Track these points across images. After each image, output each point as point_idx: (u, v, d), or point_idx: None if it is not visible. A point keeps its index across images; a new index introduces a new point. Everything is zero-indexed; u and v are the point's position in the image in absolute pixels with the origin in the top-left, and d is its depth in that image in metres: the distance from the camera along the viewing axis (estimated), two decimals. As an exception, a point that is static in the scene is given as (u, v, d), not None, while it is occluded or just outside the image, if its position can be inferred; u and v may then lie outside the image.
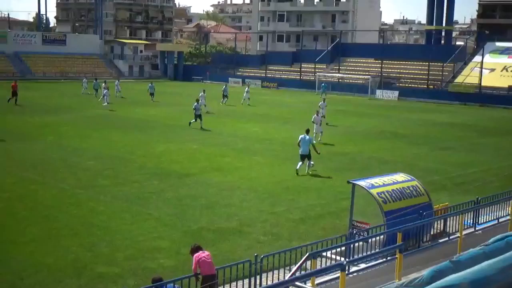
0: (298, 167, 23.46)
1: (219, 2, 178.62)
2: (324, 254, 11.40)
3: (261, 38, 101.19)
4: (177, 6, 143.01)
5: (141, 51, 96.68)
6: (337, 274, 9.05)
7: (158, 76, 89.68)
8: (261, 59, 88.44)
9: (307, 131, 24.60)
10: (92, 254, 14.01)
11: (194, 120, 35.82)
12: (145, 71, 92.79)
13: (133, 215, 17.24)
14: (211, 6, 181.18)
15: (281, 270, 11.13)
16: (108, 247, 14.48)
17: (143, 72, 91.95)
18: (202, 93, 43.97)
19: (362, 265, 11.57)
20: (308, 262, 10.31)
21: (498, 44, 74.11)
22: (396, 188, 13.65)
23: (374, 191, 13.20)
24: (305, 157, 23.71)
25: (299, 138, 24.07)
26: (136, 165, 24.32)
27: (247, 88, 54.00)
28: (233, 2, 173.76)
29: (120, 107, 46.07)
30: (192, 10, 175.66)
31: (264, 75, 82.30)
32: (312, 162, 23.93)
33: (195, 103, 36.50)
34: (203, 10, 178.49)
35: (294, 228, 16.54)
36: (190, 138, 31.96)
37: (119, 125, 36.01)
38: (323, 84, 66.63)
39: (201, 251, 10.64)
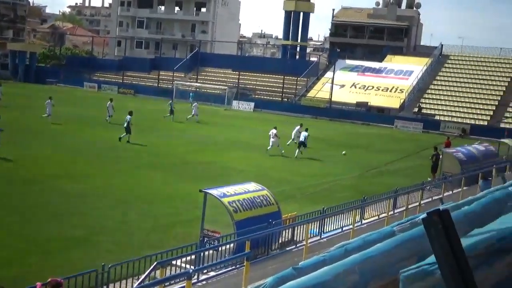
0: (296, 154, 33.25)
1: (76, 4, 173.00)
2: (174, 262, 11.34)
3: (119, 44, 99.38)
4: (31, 4, 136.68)
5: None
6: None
7: (7, 77, 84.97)
8: (119, 65, 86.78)
9: (303, 126, 36.36)
10: None
11: (125, 134, 33.31)
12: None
13: (-27, 223, 16.17)
14: (68, 7, 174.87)
15: (130, 280, 10.90)
16: None
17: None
18: (110, 102, 41.91)
19: (212, 273, 11.64)
20: (158, 271, 10.20)
21: (348, 62, 78.20)
22: (247, 198, 13.90)
23: (225, 200, 13.35)
24: (301, 145, 33.97)
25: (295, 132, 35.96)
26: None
27: (195, 104, 51.05)
28: (92, 5, 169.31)
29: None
30: (48, 10, 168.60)
31: (121, 81, 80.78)
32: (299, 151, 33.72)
33: (128, 116, 33.75)
34: (59, 11, 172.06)
35: (145, 236, 16.31)
36: (41, 143, 30.60)
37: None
38: (191, 93, 67.35)
39: None
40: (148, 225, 17.42)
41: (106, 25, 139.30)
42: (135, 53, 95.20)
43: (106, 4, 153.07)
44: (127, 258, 12.28)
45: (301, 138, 35.00)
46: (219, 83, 75.73)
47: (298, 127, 38.17)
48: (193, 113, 48.64)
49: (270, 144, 34.12)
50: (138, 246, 15.30)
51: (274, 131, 34.42)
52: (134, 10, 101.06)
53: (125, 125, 33.52)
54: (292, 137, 38.20)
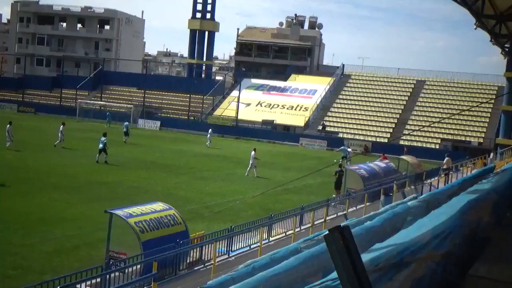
0: None
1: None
2: (78, 286, 11.03)
3: (18, 61, 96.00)
4: None
5: None
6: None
7: None
8: (18, 83, 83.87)
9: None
10: None
11: (99, 155, 34.90)
12: None
13: None
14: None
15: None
16: None
17: None
18: (62, 126, 40.76)
19: (118, 296, 11.40)
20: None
21: (254, 80, 79.21)
22: (154, 217, 13.75)
23: (131, 221, 13.15)
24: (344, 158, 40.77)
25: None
26: None
27: (210, 130, 53.82)
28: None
29: None
30: None
31: (21, 99, 78.09)
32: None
33: (103, 137, 35.15)
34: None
35: (47, 260, 15.76)
36: None
37: None
38: (107, 113, 65.97)
39: None
40: (50, 248, 16.85)
41: (4, 41, 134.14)
42: (35, 71, 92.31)
43: (4, 20, 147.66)
44: (27, 283, 11.85)
45: (343, 154, 42.64)
46: (124, 101, 74.70)
47: (347, 148, 45.29)
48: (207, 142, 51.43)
49: (253, 166, 35.30)
50: (40, 271, 14.77)
51: (253, 153, 35.73)
52: (34, 26, 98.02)
53: (101, 146, 34.78)
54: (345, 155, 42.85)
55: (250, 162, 35.67)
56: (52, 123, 57.84)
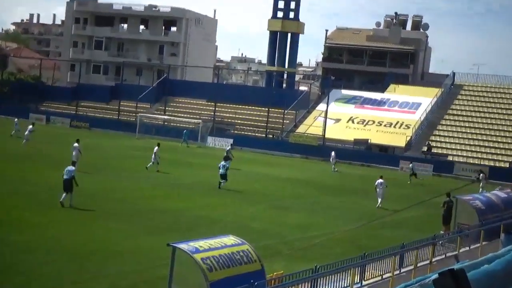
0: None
1: (22, 20, 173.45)
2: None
3: (73, 68, 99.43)
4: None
5: None
6: None
7: None
8: (72, 93, 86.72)
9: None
10: None
11: (224, 181, 36.91)
12: None
13: None
14: (12, 24, 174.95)
15: None
16: None
17: None
18: (157, 147, 42.62)
19: None
20: None
21: (344, 92, 78.81)
22: (225, 253, 13.80)
23: (198, 256, 13.24)
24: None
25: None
26: None
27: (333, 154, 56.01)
28: (40, 21, 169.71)
29: None
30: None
31: (74, 112, 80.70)
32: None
33: (222, 162, 37.74)
34: (2, 29, 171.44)
35: (100, 300, 16.13)
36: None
37: None
38: (185, 130, 67.18)
39: None
40: (104, 286, 17.24)
41: (57, 45, 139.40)
42: (91, 79, 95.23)
43: (58, 21, 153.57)
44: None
45: (414, 171, 51.32)
46: (191, 116, 75.87)
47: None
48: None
49: (380, 197, 35.30)
50: (92, 312, 15.12)
51: (381, 180, 35.74)
52: (91, 28, 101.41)
53: (222, 171, 36.96)
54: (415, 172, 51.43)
55: (377, 190, 35.66)
56: (108, 140, 59.38)
